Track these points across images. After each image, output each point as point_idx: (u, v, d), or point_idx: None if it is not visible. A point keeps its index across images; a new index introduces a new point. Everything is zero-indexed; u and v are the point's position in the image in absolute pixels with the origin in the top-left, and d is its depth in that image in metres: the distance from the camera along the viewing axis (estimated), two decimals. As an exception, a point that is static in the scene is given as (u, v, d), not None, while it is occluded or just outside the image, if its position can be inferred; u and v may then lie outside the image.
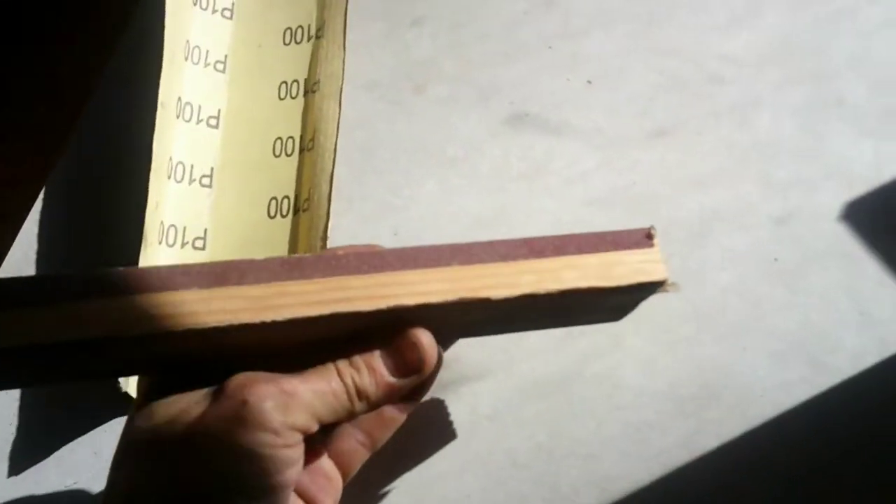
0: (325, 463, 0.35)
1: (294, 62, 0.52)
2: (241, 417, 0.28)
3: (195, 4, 0.53)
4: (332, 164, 0.47)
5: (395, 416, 0.36)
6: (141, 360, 0.31)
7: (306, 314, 0.28)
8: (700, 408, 0.41)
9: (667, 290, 0.32)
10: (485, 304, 0.30)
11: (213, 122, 0.51)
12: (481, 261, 0.30)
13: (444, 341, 0.33)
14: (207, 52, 0.53)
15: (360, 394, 0.31)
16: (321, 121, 0.49)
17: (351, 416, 0.32)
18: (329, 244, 0.46)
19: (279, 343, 0.31)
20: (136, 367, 0.34)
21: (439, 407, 0.43)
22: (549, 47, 0.51)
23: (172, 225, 0.48)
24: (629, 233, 0.32)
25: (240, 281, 0.28)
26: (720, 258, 0.44)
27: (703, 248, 0.44)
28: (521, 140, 0.48)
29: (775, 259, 0.43)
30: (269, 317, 0.28)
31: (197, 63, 0.52)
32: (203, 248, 0.49)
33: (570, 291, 0.31)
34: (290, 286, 0.29)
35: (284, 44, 0.53)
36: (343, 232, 0.48)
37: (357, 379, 0.31)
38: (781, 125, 0.46)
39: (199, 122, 0.51)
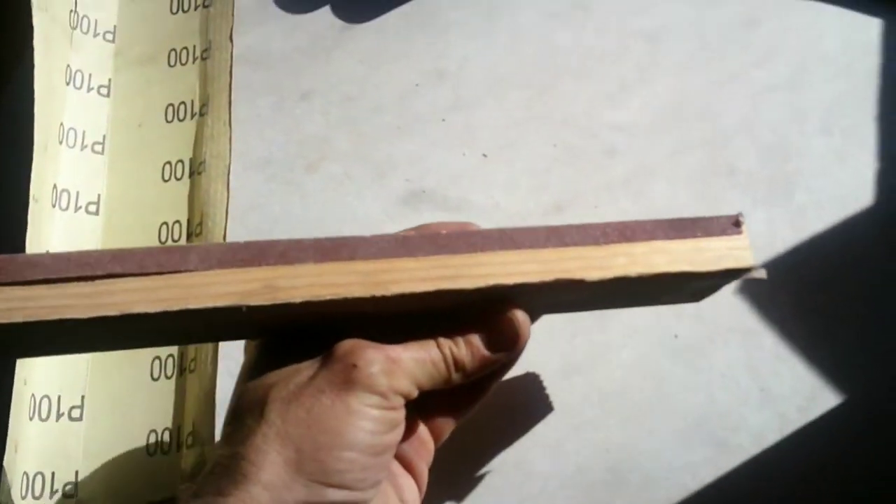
0: (421, 428, 0.37)
1: (178, 141, 0.50)
2: (352, 380, 0.31)
3: (68, 83, 0.50)
4: (222, 252, 0.45)
5: (485, 387, 0.38)
6: (251, 326, 0.33)
7: (413, 290, 0.30)
8: (609, 493, 0.41)
9: (753, 277, 0.33)
10: (578, 285, 0.31)
11: (92, 208, 0.49)
12: (575, 243, 0.32)
13: (532, 317, 0.35)
14: (84, 133, 0.50)
15: (457, 364, 0.33)
16: (209, 204, 0.47)
17: (447, 385, 0.34)
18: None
19: (380, 314, 0.33)
20: (246, 332, 0.36)
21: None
22: (443, 120, 0.50)
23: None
24: (717, 219, 0.33)
25: (351, 256, 0.30)
26: (622, 335, 0.44)
27: (606, 325, 0.44)
28: (418, 219, 0.47)
29: (675, 335, 0.43)
30: (378, 292, 0.30)
31: (73, 146, 0.49)
32: (80, 419, 0.45)
33: (660, 275, 0.32)
34: (398, 263, 0.30)
35: (167, 121, 0.51)
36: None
37: (455, 350, 0.33)
38: (676, 194, 0.47)
39: (77, 209, 0.48)
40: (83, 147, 0.49)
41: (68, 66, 0.50)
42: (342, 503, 0.31)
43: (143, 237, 0.48)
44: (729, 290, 0.44)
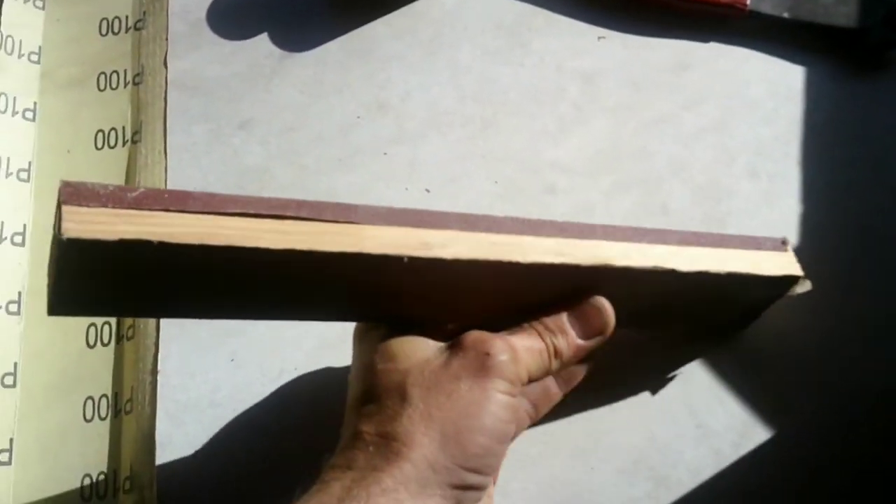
0: None
1: (109, 168, 0.48)
2: (487, 367, 0.33)
3: (-8, 107, 0.48)
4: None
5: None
6: (382, 299, 0.35)
7: (541, 260, 0.34)
8: (554, 530, 0.42)
9: (801, 290, 0.41)
10: (669, 275, 0.36)
11: (18, 239, 0.46)
12: (665, 241, 0.37)
13: None
14: (8, 160, 0.48)
15: (557, 353, 0.36)
16: (143, 236, 0.45)
17: (547, 374, 0.37)
18: (160, 376, 0.43)
19: (485, 303, 0.36)
20: (368, 312, 0.37)
21: None
22: (385, 153, 0.50)
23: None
24: (767, 239, 0.40)
25: (488, 229, 0.34)
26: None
27: (548, 363, 0.45)
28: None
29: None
30: (514, 257, 0.33)
31: (-3, 174, 0.47)
32: (13, 385, 0.44)
33: (732, 274, 0.38)
34: (526, 240, 0.34)
35: (96, 148, 0.49)
36: (175, 360, 0.45)
37: (555, 340, 0.36)
38: (614, 233, 0.48)
39: (2, 240, 0.46)
40: (8, 174, 0.47)
41: (-9, 88, 0.48)
42: (474, 486, 0.33)
43: (72, 269, 0.46)
44: (665, 328, 0.45)
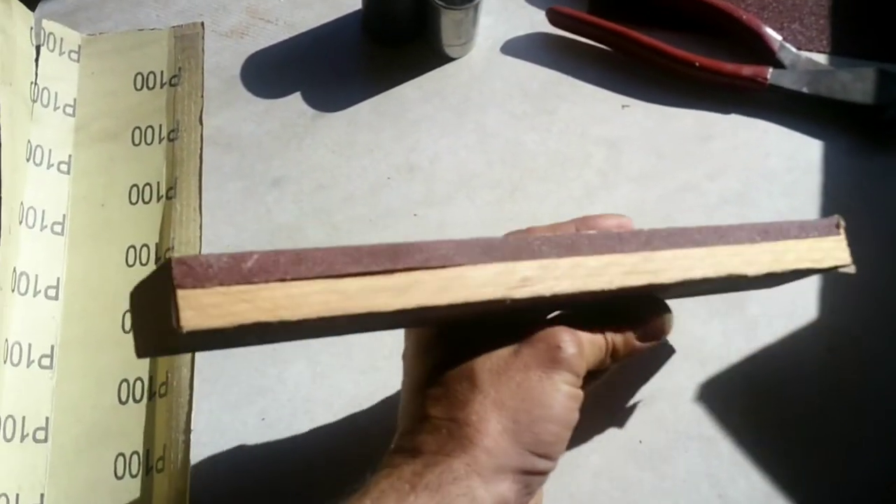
0: None
1: (143, 224, 0.49)
2: (558, 359, 0.35)
3: (28, 159, 0.48)
4: (194, 347, 0.44)
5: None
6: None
7: (625, 284, 0.34)
8: None
9: (849, 272, 0.40)
10: (740, 278, 0.37)
11: (52, 292, 0.47)
12: (736, 242, 0.37)
13: None
14: (44, 212, 0.48)
15: (615, 352, 0.38)
16: (177, 293, 0.46)
17: (601, 369, 0.38)
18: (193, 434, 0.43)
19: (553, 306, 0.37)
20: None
21: None
22: (415, 214, 0.51)
23: (10, 416, 0.43)
24: (821, 222, 0.40)
25: (586, 252, 0.34)
26: (589, 441, 0.45)
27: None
28: (391, 315, 0.47)
29: (640, 441, 0.45)
30: (603, 285, 0.34)
31: (32, 226, 0.47)
32: (45, 440, 0.44)
33: (794, 271, 0.38)
34: (612, 257, 0.34)
35: (131, 203, 0.49)
36: (206, 417, 0.45)
37: (615, 339, 0.38)
38: (638, 301, 0.49)
39: (36, 293, 0.46)
40: (43, 227, 0.48)
41: (28, 141, 0.48)
42: (544, 471, 0.35)
43: (105, 324, 0.46)
44: (687, 397, 0.46)
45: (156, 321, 0.26)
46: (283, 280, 0.27)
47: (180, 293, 0.25)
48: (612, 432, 0.46)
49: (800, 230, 0.39)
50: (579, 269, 0.33)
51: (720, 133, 0.54)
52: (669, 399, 0.46)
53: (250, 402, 0.46)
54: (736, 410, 0.46)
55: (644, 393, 0.47)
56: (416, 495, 0.31)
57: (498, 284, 0.31)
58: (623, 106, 0.54)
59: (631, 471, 0.45)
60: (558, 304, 0.37)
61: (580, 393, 0.36)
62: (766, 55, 0.55)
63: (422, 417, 0.34)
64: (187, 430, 0.43)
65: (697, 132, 0.54)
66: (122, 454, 0.44)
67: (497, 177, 0.52)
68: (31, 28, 0.51)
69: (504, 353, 0.35)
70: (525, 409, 0.34)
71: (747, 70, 0.53)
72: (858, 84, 0.53)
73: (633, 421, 0.46)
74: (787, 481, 0.44)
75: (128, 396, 0.45)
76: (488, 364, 0.35)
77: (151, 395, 0.45)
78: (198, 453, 0.44)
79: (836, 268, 0.40)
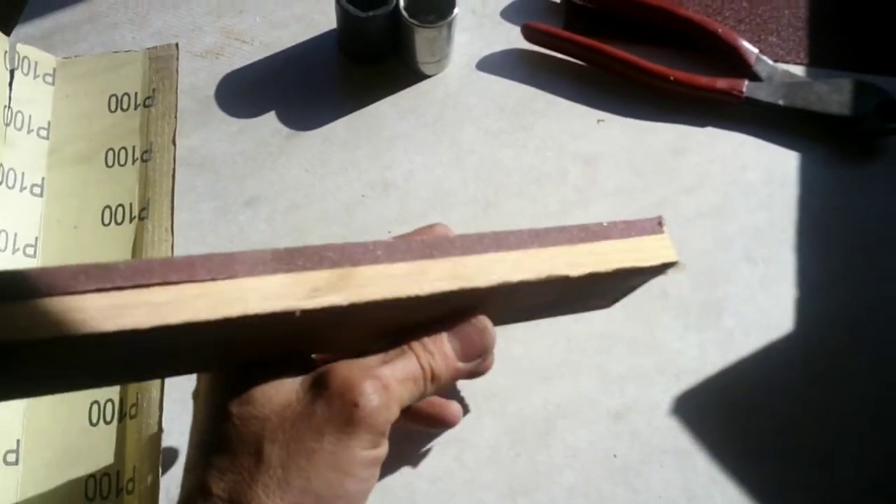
0: None
1: (115, 245, 0.49)
2: (354, 420, 0.31)
3: (1, 183, 0.48)
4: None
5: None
6: (220, 352, 0.32)
7: (433, 290, 0.31)
8: None
9: (676, 272, 0.38)
10: (563, 282, 0.34)
11: (23, 315, 0.47)
12: (556, 244, 0.35)
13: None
14: (15, 235, 0.48)
15: (434, 377, 0.34)
16: (149, 314, 0.46)
17: (422, 398, 0.34)
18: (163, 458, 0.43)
19: (358, 333, 0.34)
20: (212, 363, 0.34)
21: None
22: (389, 232, 0.50)
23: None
24: (644, 221, 0.38)
25: (376, 260, 0.31)
26: (563, 455, 0.45)
27: (549, 446, 0.45)
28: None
29: (615, 455, 0.45)
30: (413, 291, 0.31)
31: (4, 249, 0.47)
32: (16, 463, 0.44)
33: (619, 271, 0.36)
34: (422, 266, 0.31)
35: (103, 224, 0.49)
36: (176, 438, 0.45)
37: (432, 363, 0.34)
38: (614, 316, 0.48)
39: (7, 316, 0.46)
40: (15, 250, 0.48)
41: (1, 164, 0.49)
42: None
43: (76, 346, 0.46)
44: (663, 411, 0.46)
45: None
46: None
47: None
48: (586, 445, 0.45)
49: (622, 230, 0.37)
50: (381, 276, 0.31)
51: (696, 147, 0.53)
52: (644, 413, 0.46)
53: (222, 423, 0.45)
54: (712, 424, 0.46)
55: (615, 406, 0.46)
56: None
57: (281, 296, 0.28)
58: (598, 120, 0.54)
59: (605, 486, 0.44)
60: (372, 324, 0.34)
61: (381, 453, 0.32)
62: (743, 68, 0.55)
63: (202, 489, 0.31)
64: (157, 452, 0.43)
65: (674, 146, 0.53)
66: (92, 476, 0.43)
67: (473, 193, 0.52)
68: (6, 52, 0.52)
69: (298, 412, 0.31)
70: (312, 492, 0.30)
71: (722, 83, 0.53)
72: (835, 95, 0.53)
73: (608, 435, 0.45)
74: (764, 495, 0.44)
75: (98, 418, 0.45)
76: (280, 430, 0.31)
77: (122, 417, 0.45)
78: (167, 474, 0.44)
79: (664, 266, 0.38)
